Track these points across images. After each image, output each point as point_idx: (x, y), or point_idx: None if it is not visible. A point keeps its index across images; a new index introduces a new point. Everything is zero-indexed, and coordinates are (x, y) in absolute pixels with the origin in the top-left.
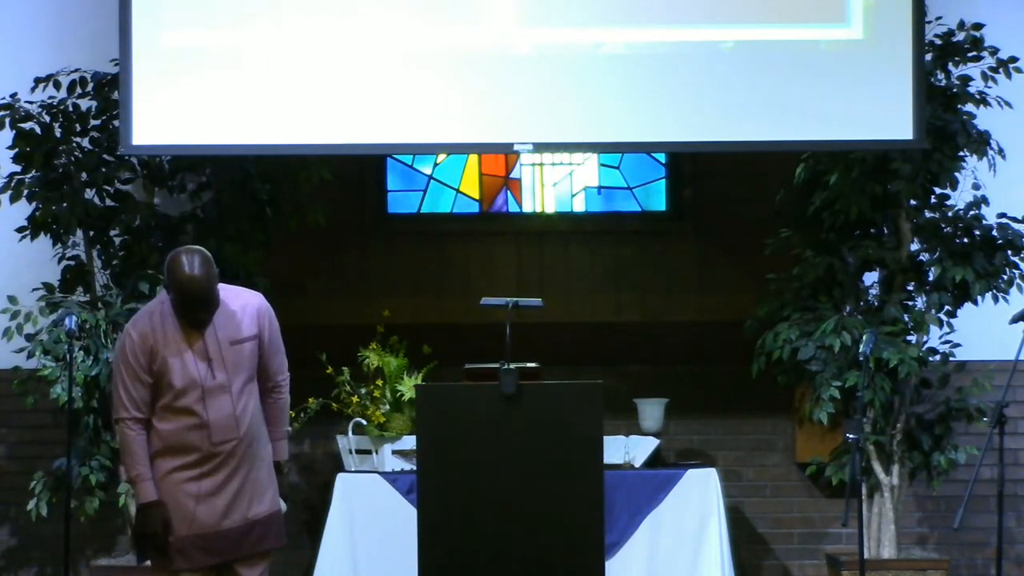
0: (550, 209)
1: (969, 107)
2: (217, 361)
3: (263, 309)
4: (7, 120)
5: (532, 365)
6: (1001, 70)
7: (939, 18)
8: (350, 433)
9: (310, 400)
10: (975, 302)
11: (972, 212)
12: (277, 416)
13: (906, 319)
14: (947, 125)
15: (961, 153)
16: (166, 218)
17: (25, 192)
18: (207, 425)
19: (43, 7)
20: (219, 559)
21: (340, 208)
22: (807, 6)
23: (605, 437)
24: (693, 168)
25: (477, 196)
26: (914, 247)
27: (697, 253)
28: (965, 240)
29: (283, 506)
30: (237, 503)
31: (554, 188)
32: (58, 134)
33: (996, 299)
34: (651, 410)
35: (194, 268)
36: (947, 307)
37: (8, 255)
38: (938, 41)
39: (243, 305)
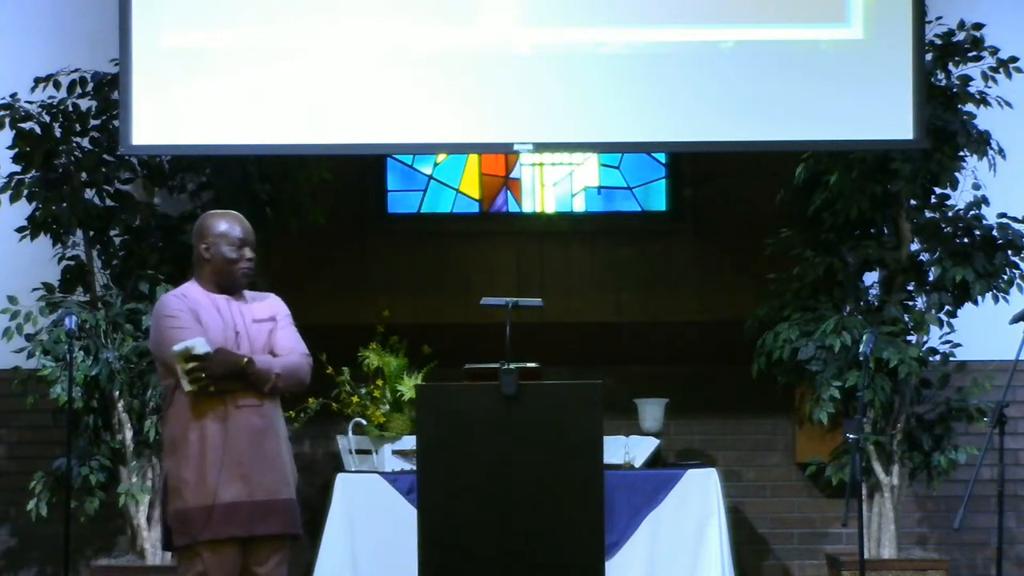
0: (550, 209)
1: (969, 107)
2: (244, 335)
3: (278, 301)
4: (7, 120)
5: (532, 365)
6: (1001, 70)
7: (939, 18)
8: (350, 433)
9: (310, 400)
10: (975, 302)
11: (972, 212)
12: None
13: (906, 319)
14: (947, 125)
15: (961, 153)
16: (166, 218)
17: (25, 192)
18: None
19: (43, 7)
20: (241, 532)
21: (340, 208)
22: (807, 6)
23: (605, 437)
24: (693, 168)
25: (477, 196)
26: (914, 247)
27: (697, 253)
28: (965, 240)
29: None
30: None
31: (554, 188)
32: (58, 134)
33: (996, 299)
34: (651, 410)
35: (229, 211)
36: (947, 307)
37: (8, 255)
38: (938, 41)
39: (263, 298)
